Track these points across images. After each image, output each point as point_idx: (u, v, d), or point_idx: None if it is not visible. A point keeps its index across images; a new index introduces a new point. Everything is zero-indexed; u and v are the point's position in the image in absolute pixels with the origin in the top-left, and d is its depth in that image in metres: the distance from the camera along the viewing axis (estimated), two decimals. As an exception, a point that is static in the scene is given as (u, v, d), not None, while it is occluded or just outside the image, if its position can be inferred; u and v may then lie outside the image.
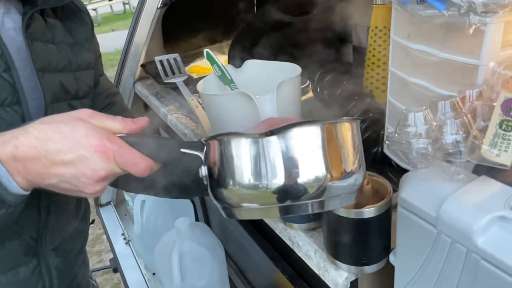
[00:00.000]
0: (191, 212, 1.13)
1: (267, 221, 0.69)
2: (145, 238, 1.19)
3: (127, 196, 1.47)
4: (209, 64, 1.31)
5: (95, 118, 0.45)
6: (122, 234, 1.41)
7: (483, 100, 0.45)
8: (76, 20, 0.66)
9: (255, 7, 1.47)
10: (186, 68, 1.28)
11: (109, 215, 1.41)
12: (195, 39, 1.41)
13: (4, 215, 0.44)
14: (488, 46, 0.51)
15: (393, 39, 0.67)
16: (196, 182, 0.60)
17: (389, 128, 0.74)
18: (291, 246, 0.64)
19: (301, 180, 0.40)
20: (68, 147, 0.42)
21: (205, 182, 0.46)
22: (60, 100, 0.61)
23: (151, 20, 1.37)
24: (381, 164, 0.74)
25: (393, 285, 0.53)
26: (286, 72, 0.79)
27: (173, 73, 1.20)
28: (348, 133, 0.43)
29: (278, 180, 0.40)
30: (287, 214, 0.43)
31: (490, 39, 0.50)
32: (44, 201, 0.61)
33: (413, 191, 0.45)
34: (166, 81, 1.17)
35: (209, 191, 0.46)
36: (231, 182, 0.42)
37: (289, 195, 0.41)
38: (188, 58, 1.35)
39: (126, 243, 1.36)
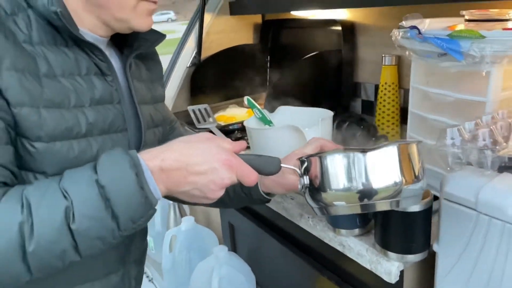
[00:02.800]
0: (217, 243, 1.22)
1: (315, 232, 0.81)
2: (176, 270, 1.26)
3: (148, 237, 1.53)
4: (232, 115, 1.48)
5: (217, 139, 0.57)
6: (145, 273, 1.45)
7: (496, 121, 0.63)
8: (152, 61, 0.77)
9: (268, 68, 1.69)
10: (214, 117, 1.43)
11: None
12: (217, 93, 1.59)
13: (149, 217, 0.53)
14: (492, 87, 0.69)
15: (413, 87, 0.85)
16: (248, 193, 0.74)
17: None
18: (341, 250, 0.75)
19: (382, 185, 0.55)
20: (204, 161, 0.53)
21: (303, 190, 0.60)
22: (150, 127, 0.72)
23: (180, 77, 1.55)
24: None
25: (434, 276, 0.66)
26: (314, 115, 0.95)
27: (204, 120, 1.36)
28: (414, 151, 0.57)
29: (365, 184, 0.54)
30: (368, 210, 0.57)
31: (493, 82, 0.69)
32: None
33: (455, 186, 0.59)
34: (199, 127, 1.32)
35: (307, 196, 0.60)
36: (328, 187, 0.56)
37: (371, 195, 0.55)
38: (212, 109, 1.52)
39: (149, 281, 1.41)
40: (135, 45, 0.69)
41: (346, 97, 1.33)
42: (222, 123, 1.39)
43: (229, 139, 0.59)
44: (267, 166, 0.60)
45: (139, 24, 0.62)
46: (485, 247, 0.56)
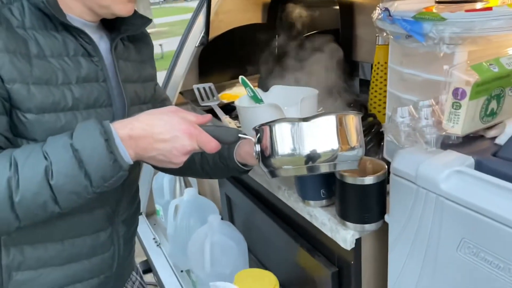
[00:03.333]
0: (217, 213, 1.31)
1: (289, 203, 0.87)
2: (178, 236, 1.37)
3: (158, 206, 1.65)
4: (237, 93, 1.55)
5: (180, 112, 0.65)
6: (154, 239, 1.59)
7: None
8: (143, 43, 0.84)
9: (276, 48, 1.72)
10: (218, 96, 1.50)
11: (141, 224, 1.59)
12: (225, 72, 1.65)
13: (120, 177, 0.61)
14: (450, 66, 0.71)
15: (390, 67, 0.88)
16: (225, 164, 0.81)
17: (387, 137, 0.94)
18: (309, 219, 0.82)
19: (321, 150, 0.61)
20: (167, 130, 0.61)
21: (256, 156, 0.66)
22: (134, 104, 0.79)
23: (189, 57, 1.62)
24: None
25: (387, 245, 0.71)
26: (305, 94, 1.00)
27: (208, 98, 1.43)
28: (351, 121, 0.63)
29: (306, 149, 0.61)
30: (311, 172, 0.63)
31: (457, 62, 0.71)
32: (123, 181, 0.79)
33: (401, 162, 0.63)
34: (202, 105, 1.40)
35: (260, 162, 0.67)
36: (276, 153, 0.63)
37: (313, 159, 0.61)
38: (219, 88, 1.58)
39: (157, 245, 1.54)
40: (122, 28, 0.76)
41: (344, 76, 1.35)
42: (225, 101, 1.46)
43: (194, 113, 0.66)
44: (226, 135, 0.67)
45: (120, 9, 0.70)
46: (423, 217, 0.61)
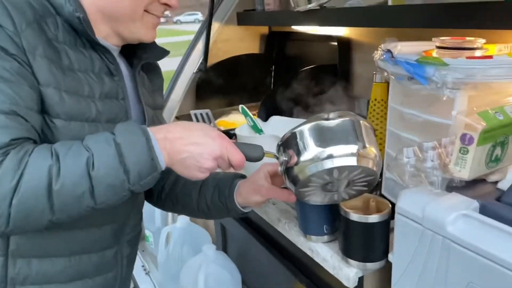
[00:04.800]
0: (210, 242, 1.29)
1: (289, 237, 0.87)
2: (170, 264, 1.34)
3: (147, 232, 1.62)
4: (233, 120, 1.56)
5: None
6: (142, 266, 1.55)
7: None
8: (155, 73, 0.89)
9: (272, 79, 1.76)
10: (215, 122, 1.51)
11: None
12: (221, 99, 1.66)
13: (153, 178, 0.62)
14: (457, 111, 0.74)
15: (390, 106, 0.91)
16: (224, 203, 0.82)
17: (386, 174, 0.95)
18: (310, 254, 0.81)
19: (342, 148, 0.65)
20: (201, 135, 0.64)
21: (282, 169, 0.69)
22: (150, 126, 0.81)
23: (187, 82, 1.64)
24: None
25: (390, 284, 0.71)
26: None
27: (205, 125, 1.44)
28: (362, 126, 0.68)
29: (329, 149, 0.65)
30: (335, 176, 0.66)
31: (457, 107, 0.74)
32: (133, 201, 0.79)
33: (406, 201, 0.65)
34: (199, 131, 1.40)
35: (286, 179, 0.70)
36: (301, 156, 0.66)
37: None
38: (216, 114, 1.59)
39: (146, 273, 1.50)
40: (143, 56, 0.80)
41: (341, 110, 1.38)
42: (222, 128, 1.47)
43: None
44: (251, 151, 0.68)
45: (145, 34, 0.74)
46: (429, 259, 0.61)
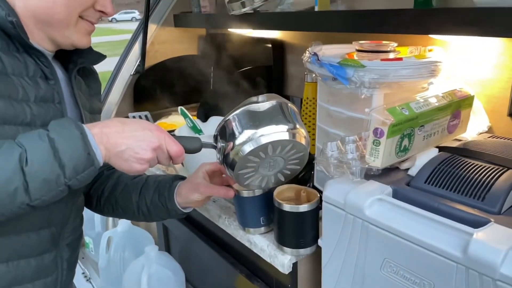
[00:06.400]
0: (153, 243, 1.29)
1: (229, 231, 0.91)
2: (111, 269, 1.32)
3: (87, 238, 1.58)
4: (173, 122, 1.57)
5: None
6: (83, 273, 1.51)
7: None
8: (92, 78, 0.88)
9: (211, 79, 1.79)
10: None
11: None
12: (160, 101, 1.66)
13: (90, 173, 0.62)
14: (371, 108, 0.82)
15: (318, 104, 0.98)
16: (164, 204, 0.84)
17: (317, 167, 1.02)
18: (248, 246, 0.86)
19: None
20: (138, 127, 0.65)
21: (220, 157, 0.73)
22: None
23: (124, 84, 1.62)
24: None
25: (321, 267, 0.77)
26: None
27: (144, 127, 1.43)
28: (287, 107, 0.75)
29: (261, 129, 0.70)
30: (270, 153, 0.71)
31: (374, 103, 0.82)
32: (71, 204, 0.79)
33: (331, 190, 0.71)
34: (138, 133, 1.40)
35: (224, 164, 0.73)
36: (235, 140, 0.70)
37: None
38: (155, 116, 1.59)
39: (87, 280, 1.46)
40: (78, 61, 0.80)
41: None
42: (162, 130, 1.47)
43: None
44: (189, 143, 0.71)
45: (79, 40, 0.74)
46: (351, 241, 0.68)
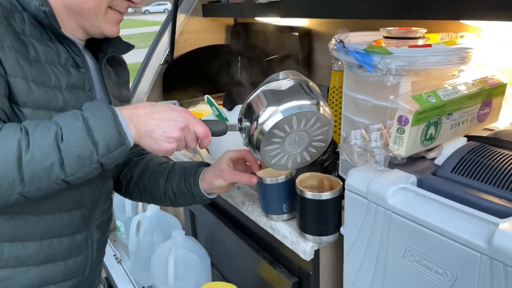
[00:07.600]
0: (180, 228, 1.33)
1: (253, 217, 0.93)
2: (141, 252, 1.37)
3: (118, 222, 1.64)
4: (200, 111, 1.59)
5: None
6: (114, 255, 1.57)
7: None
8: (120, 68, 0.91)
9: (238, 68, 1.80)
10: (182, 113, 1.54)
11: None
12: (188, 90, 1.69)
13: (122, 151, 0.65)
14: (395, 96, 0.81)
15: (344, 92, 0.97)
16: (189, 189, 0.86)
17: (342, 156, 1.02)
18: (271, 232, 0.87)
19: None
20: (167, 109, 0.69)
21: (245, 138, 0.75)
22: None
23: (153, 74, 1.65)
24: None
25: (343, 255, 0.77)
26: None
27: (172, 116, 1.47)
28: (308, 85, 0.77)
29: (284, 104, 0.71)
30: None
31: (402, 91, 0.80)
32: (101, 187, 0.82)
33: (354, 179, 0.71)
34: (166, 121, 1.43)
35: (249, 144, 0.75)
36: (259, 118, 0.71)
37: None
38: (183, 105, 1.62)
39: (118, 262, 1.52)
40: (108, 50, 0.83)
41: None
42: (189, 119, 1.50)
43: None
44: (215, 126, 0.73)
45: (109, 29, 0.77)
46: (374, 229, 0.68)
